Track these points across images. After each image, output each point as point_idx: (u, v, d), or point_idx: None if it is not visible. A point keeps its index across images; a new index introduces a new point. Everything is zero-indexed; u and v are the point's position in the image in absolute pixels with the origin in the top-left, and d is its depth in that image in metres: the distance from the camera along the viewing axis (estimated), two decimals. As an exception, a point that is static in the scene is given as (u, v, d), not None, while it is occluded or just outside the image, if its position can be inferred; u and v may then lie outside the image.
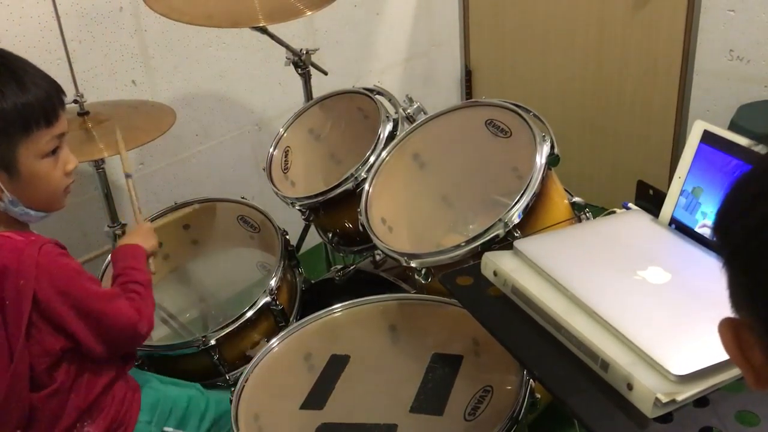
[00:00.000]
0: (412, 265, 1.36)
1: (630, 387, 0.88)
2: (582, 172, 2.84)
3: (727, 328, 0.57)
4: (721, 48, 2.42)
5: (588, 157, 2.86)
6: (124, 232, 1.85)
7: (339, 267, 1.74)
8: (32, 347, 1.14)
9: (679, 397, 0.85)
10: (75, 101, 1.70)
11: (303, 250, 2.27)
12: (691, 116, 2.59)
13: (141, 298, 1.27)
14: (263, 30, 1.82)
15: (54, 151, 1.17)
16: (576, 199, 1.44)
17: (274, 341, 1.35)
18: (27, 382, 1.15)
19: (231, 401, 1.24)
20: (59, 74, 1.89)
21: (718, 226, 0.55)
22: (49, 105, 1.15)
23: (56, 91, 1.18)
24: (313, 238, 2.18)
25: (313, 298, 1.72)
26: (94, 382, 1.23)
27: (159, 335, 1.77)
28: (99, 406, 1.25)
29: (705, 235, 1.10)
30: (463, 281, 1.16)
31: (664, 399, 0.85)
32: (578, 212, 1.44)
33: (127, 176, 1.57)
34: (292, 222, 1.90)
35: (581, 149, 2.86)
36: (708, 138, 1.14)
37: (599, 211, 1.47)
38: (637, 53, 2.61)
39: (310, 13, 1.69)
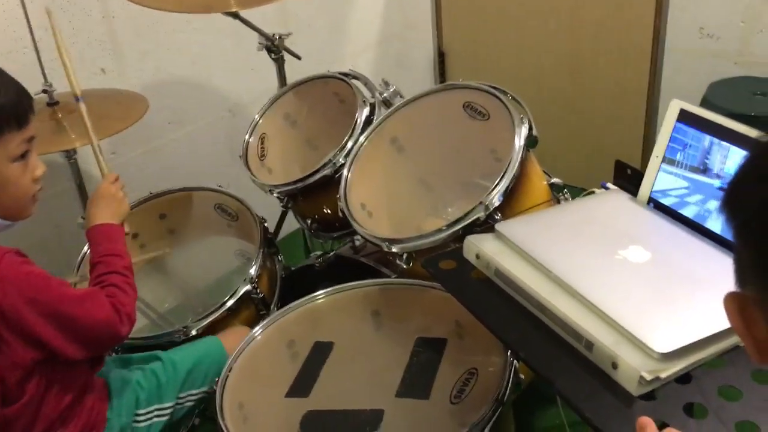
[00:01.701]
0: (394, 250, 1.36)
1: (615, 366, 0.89)
2: (555, 152, 2.84)
3: (732, 302, 0.57)
4: (691, 26, 2.44)
5: (562, 137, 2.87)
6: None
7: (319, 253, 1.73)
8: (1, 361, 1.10)
9: (663, 375, 0.87)
10: (44, 91, 1.66)
11: (280, 237, 2.26)
12: (663, 94, 2.61)
13: (121, 291, 1.23)
14: (235, 15, 1.79)
15: (24, 156, 1.15)
16: (554, 180, 1.45)
17: (257, 329, 1.34)
18: None
19: (215, 390, 1.23)
20: (26, 63, 1.86)
21: (730, 196, 0.55)
22: (21, 108, 1.14)
23: (25, 95, 1.16)
24: (290, 224, 2.17)
25: (294, 285, 1.71)
26: (65, 392, 1.21)
27: (137, 326, 1.72)
28: (71, 414, 1.23)
29: (683, 214, 1.12)
30: (446, 265, 1.16)
31: (649, 377, 0.86)
32: (557, 193, 1.45)
33: (78, 99, 1.45)
34: (268, 209, 1.89)
35: (555, 129, 2.87)
36: (684, 116, 1.15)
37: (575, 191, 1.48)
38: (609, 32, 2.62)
39: (283, -3, 1.66)
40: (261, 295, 1.57)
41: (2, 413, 1.12)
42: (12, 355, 1.11)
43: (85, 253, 1.66)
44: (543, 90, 2.86)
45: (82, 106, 1.43)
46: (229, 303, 1.55)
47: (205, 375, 1.41)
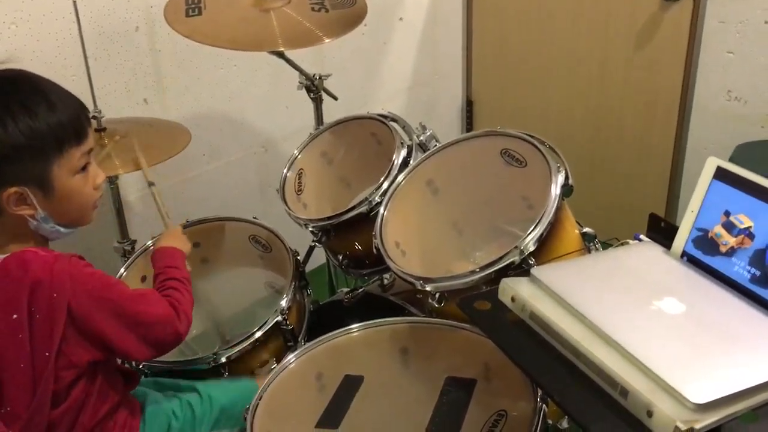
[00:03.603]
0: (427, 288, 1.39)
1: (650, 414, 0.90)
2: (579, 204, 2.88)
3: None
4: (719, 88, 2.49)
5: (586, 190, 2.89)
6: (133, 249, 1.87)
7: (347, 289, 1.76)
8: (59, 361, 1.14)
9: (698, 426, 0.88)
10: (93, 117, 1.72)
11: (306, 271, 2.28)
12: (689, 153, 2.65)
13: (178, 292, 1.29)
14: (280, 54, 1.86)
15: (84, 167, 1.22)
16: (586, 229, 1.48)
17: (290, 358, 1.36)
18: (50, 400, 1.15)
19: (245, 418, 1.25)
20: (74, 90, 1.92)
21: None
22: (78, 122, 1.20)
23: (83, 109, 1.23)
24: (315, 260, 2.20)
25: (321, 319, 1.73)
26: (101, 403, 1.24)
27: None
28: (104, 427, 1.26)
29: (717, 269, 1.14)
30: (480, 306, 1.18)
31: (684, 426, 0.87)
32: (588, 243, 1.47)
33: (151, 185, 1.66)
34: (295, 244, 1.92)
35: (579, 182, 2.90)
36: (721, 174, 1.18)
37: (602, 244, 1.51)
38: (637, 90, 2.67)
39: (328, 40, 1.73)
40: (290, 327, 1.59)
41: (50, 416, 1.15)
42: (71, 355, 1.15)
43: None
44: (568, 142, 2.90)
45: (155, 189, 1.67)
46: (258, 334, 1.57)
47: (238, 416, 1.39)
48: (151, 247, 1.51)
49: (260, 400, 1.29)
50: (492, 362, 1.31)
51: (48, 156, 1.15)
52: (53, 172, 1.16)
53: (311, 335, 1.64)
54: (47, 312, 1.12)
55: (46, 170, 1.15)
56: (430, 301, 1.40)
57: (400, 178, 1.61)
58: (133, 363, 1.53)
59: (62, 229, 1.22)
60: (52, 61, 1.93)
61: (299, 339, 1.65)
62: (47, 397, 1.14)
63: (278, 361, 1.42)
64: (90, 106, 1.78)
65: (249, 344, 1.55)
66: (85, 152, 1.21)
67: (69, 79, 1.96)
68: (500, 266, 1.33)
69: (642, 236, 1.29)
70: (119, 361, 1.42)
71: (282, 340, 1.61)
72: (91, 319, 1.15)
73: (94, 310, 1.15)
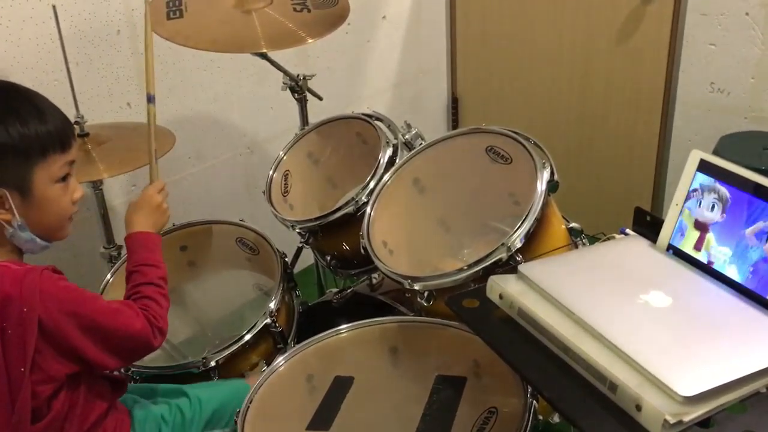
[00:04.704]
0: (415, 287, 1.39)
1: (639, 408, 0.90)
2: (565, 199, 2.89)
3: None
4: (702, 80, 2.50)
5: (571, 184, 2.91)
6: (119, 254, 1.86)
7: (336, 290, 1.75)
8: (35, 375, 1.13)
9: (686, 418, 0.88)
10: (76, 122, 1.71)
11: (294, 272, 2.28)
12: (673, 146, 2.66)
13: (155, 303, 1.28)
14: (263, 55, 1.85)
15: (65, 178, 1.22)
16: (573, 224, 1.48)
17: (280, 360, 1.36)
18: (29, 415, 1.14)
19: (236, 422, 1.24)
20: (56, 95, 1.90)
21: None
22: (64, 134, 1.22)
23: (69, 122, 1.26)
24: (304, 261, 2.20)
25: (310, 320, 1.73)
26: (88, 412, 1.23)
27: (152, 356, 1.75)
28: None
29: (702, 261, 1.14)
30: (468, 304, 1.18)
31: (672, 420, 0.87)
32: (575, 238, 1.48)
33: (150, 99, 1.52)
34: (283, 245, 1.92)
35: (564, 176, 2.91)
36: (704, 166, 1.18)
37: (588, 238, 1.51)
38: (621, 84, 2.68)
39: (311, 40, 1.72)
40: (279, 329, 1.59)
41: (30, 431, 1.14)
42: (47, 369, 1.14)
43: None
44: (554, 137, 2.91)
45: (153, 108, 1.52)
46: (248, 336, 1.57)
47: (230, 416, 1.40)
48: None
49: (251, 403, 1.29)
50: (482, 360, 1.31)
51: (31, 159, 1.16)
52: (34, 175, 1.17)
53: (301, 337, 1.63)
54: (18, 327, 1.10)
55: (28, 173, 1.16)
56: (418, 299, 1.40)
57: (387, 177, 1.61)
58: (122, 369, 1.52)
59: (39, 240, 1.21)
60: (33, 66, 1.91)
61: (289, 341, 1.65)
62: (27, 412, 1.13)
63: (268, 364, 1.42)
64: (72, 111, 1.77)
65: (238, 347, 1.54)
66: (68, 162, 1.22)
67: (50, 84, 1.94)
68: (488, 263, 1.33)
69: (628, 230, 1.29)
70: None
71: (271, 342, 1.61)
72: (63, 333, 1.13)
73: (65, 325, 1.13)
